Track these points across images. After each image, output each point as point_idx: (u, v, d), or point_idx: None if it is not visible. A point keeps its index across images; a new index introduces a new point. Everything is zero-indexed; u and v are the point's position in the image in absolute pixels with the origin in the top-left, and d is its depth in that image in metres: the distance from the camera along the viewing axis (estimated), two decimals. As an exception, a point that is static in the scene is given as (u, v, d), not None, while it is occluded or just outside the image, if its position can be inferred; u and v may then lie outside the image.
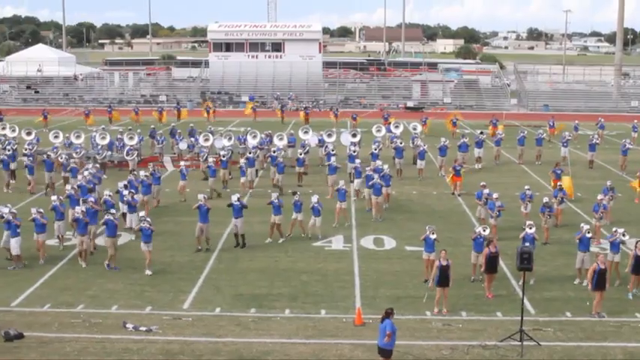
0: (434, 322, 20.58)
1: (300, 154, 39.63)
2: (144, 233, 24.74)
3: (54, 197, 26.83)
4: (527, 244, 23.22)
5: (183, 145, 45.78)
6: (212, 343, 19.46)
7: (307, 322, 20.84)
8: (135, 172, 32.72)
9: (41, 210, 26.11)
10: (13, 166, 38.96)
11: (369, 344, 19.16)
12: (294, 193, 29.54)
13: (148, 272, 24.70)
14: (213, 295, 22.93)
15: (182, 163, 36.74)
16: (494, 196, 29.28)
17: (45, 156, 38.28)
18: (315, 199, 28.84)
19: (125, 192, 29.60)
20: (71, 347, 19.14)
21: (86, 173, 33.42)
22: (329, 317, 21.25)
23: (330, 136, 46.26)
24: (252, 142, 43.88)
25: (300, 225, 29.10)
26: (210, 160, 37.49)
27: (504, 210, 29.25)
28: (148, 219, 25.30)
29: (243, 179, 36.94)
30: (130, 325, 20.32)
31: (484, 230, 24.37)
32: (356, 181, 35.76)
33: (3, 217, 25.67)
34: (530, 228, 24.49)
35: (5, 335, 19.52)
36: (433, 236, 24.03)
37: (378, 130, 48.93)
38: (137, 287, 23.64)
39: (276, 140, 44.08)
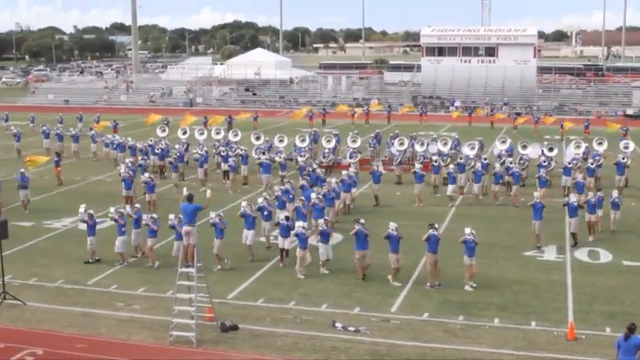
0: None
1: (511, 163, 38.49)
2: (358, 237, 24.89)
3: (244, 204, 27.67)
4: None
5: (394, 149, 46.00)
6: (419, 347, 19.48)
7: (517, 333, 20.39)
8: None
9: (154, 215, 27.18)
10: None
11: (581, 360, 18.54)
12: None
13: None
14: (421, 300, 22.93)
15: (348, 170, 36.43)
16: None
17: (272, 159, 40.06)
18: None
19: (285, 222, 26.54)
20: (282, 342, 19.76)
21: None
22: (539, 329, 20.69)
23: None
24: (433, 148, 44.14)
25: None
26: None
27: None
28: (362, 220, 25.51)
29: (452, 187, 36.37)
30: (339, 325, 20.70)
31: None
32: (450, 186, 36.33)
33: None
34: None
35: (222, 326, 20.46)
36: None
37: (577, 146, 43.50)
38: (346, 288, 24.05)
39: (467, 150, 43.07)
